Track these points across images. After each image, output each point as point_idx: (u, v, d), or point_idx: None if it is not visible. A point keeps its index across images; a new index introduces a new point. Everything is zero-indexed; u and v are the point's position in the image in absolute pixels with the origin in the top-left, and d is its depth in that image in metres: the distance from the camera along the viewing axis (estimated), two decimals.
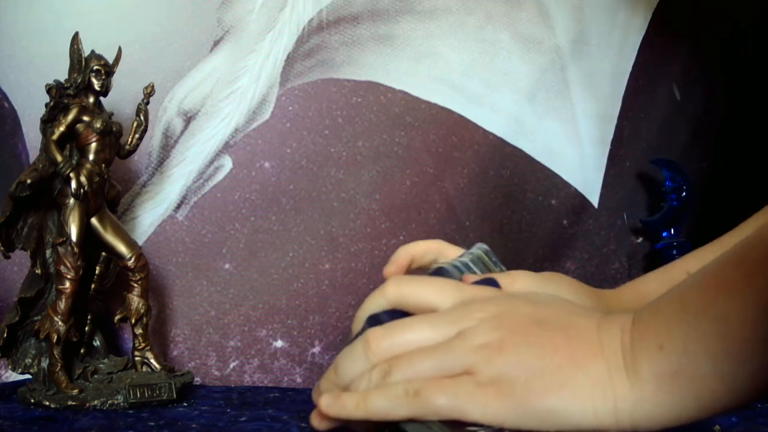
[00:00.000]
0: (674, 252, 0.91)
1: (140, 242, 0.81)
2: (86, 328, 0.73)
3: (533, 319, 0.40)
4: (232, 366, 0.84)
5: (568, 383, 0.37)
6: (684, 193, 0.93)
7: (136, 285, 0.72)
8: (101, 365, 0.72)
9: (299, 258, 0.87)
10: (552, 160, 0.95)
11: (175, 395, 0.68)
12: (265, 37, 0.88)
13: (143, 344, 0.71)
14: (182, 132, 0.86)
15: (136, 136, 0.75)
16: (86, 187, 0.68)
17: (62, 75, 0.70)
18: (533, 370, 0.37)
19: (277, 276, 0.86)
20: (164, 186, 0.85)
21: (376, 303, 0.45)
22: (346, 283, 0.87)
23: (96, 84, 0.70)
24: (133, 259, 0.71)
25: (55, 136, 0.68)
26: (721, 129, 1.01)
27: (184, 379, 0.70)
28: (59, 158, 0.68)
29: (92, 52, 0.71)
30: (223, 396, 0.74)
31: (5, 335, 0.68)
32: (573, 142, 0.96)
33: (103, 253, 0.74)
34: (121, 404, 0.65)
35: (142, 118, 0.75)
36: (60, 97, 0.69)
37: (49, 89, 0.69)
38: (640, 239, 0.99)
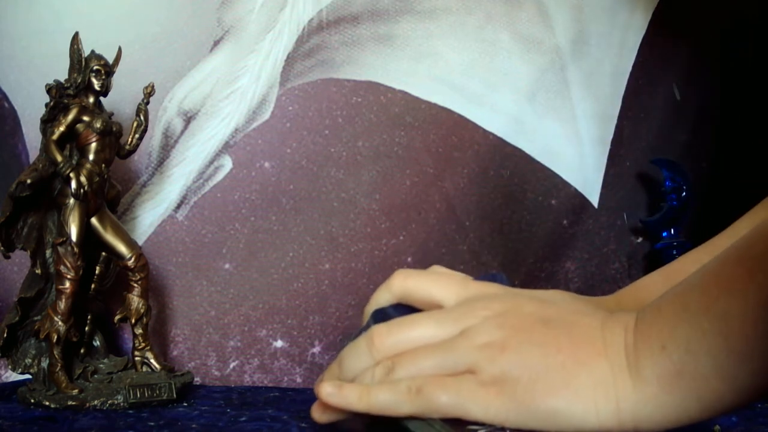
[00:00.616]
0: (674, 252, 0.91)
1: (140, 242, 0.81)
2: (86, 328, 0.73)
3: (537, 317, 0.40)
4: (232, 366, 0.84)
5: (571, 383, 0.37)
6: (684, 193, 0.93)
7: (136, 285, 0.72)
8: (101, 365, 0.72)
9: (299, 258, 0.87)
10: (552, 160, 0.95)
11: (175, 395, 0.68)
12: (265, 37, 0.88)
13: (143, 344, 0.71)
14: (182, 132, 0.86)
15: (136, 136, 0.75)
16: (86, 187, 0.68)
17: (62, 75, 0.70)
18: (536, 369, 0.37)
19: (277, 276, 0.86)
20: (164, 186, 0.85)
21: (383, 297, 0.45)
22: (346, 283, 0.87)
23: (96, 84, 0.70)
24: (133, 259, 0.71)
25: (55, 136, 0.68)
26: (721, 129, 1.01)
27: (184, 379, 0.70)
28: (59, 158, 0.68)
29: (92, 52, 0.71)
30: (223, 396, 0.74)
31: (5, 335, 0.68)
32: (573, 142, 0.96)
33: (103, 253, 0.74)
34: (121, 404, 0.65)
35: (142, 118, 0.75)
36: (60, 97, 0.69)
37: (49, 89, 0.69)
38: (640, 239, 0.99)
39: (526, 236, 0.94)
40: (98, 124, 0.69)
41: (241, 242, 0.86)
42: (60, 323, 0.67)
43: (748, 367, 0.34)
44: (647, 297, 0.49)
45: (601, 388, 0.37)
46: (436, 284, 0.44)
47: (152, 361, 0.71)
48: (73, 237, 0.68)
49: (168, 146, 0.86)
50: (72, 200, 0.68)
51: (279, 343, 0.85)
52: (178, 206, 0.85)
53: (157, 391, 0.67)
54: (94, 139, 0.70)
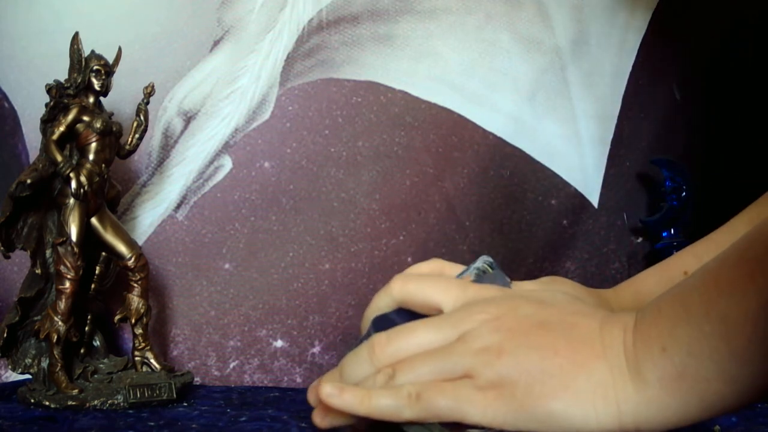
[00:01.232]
0: (674, 252, 0.90)
1: (140, 242, 0.81)
2: (86, 328, 0.73)
3: (534, 319, 0.40)
4: (232, 366, 0.84)
5: (569, 386, 0.37)
6: (684, 193, 0.93)
7: (136, 285, 0.72)
8: (101, 365, 0.72)
9: (299, 258, 0.87)
10: (552, 160, 0.95)
11: (175, 395, 0.68)
12: (265, 37, 0.88)
13: (143, 344, 0.71)
14: (182, 132, 0.86)
15: (136, 136, 0.75)
16: (86, 187, 0.68)
17: (62, 75, 0.70)
18: (533, 372, 0.37)
19: (277, 276, 0.86)
20: (164, 186, 0.85)
21: (383, 302, 0.45)
22: (346, 283, 0.87)
23: (96, 84, 0.70)
24: (133, 259, 0.71)
25: (55, 136, 0.68)
26: (721, 129, 1.01)
27: (184, 379, 0.70)
28: (59, 158, 0.68)
29: (92, 52, 0.71)
30: (223, 396, 0.74)
31: (5, 335, 0.68)
32: (573, 142, 0.96)
33: (103, 253, 0.74)
34: (121, 404, 0.65)
35: (142, 118, 0.75)
36: (60, 97, 0.69)
37: (49, 89, 0.69)
38: (640, 239, 0.99)
39: (526, 236, 0.94)
40: (98, 124, 0.69)
41: (241, 242, 0.86)
42: (60, 323, 0.67)
43: (750, 369, 0.34)
44: (646, 292, 0.49)
45: (601, 390, 0.37)
46: (436, 288, 0.44)
47: (152, 361, 0.71)
48: (73, 237, 0.68)
49: (168, 146, 0.86)
50: (72, 200, 0.68)
51: (279, 343, 0.85)
52: (178, 206, 0.85)
53: (157, 391, 0.67)
54: (94, 139, 0.70)
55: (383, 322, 0.44)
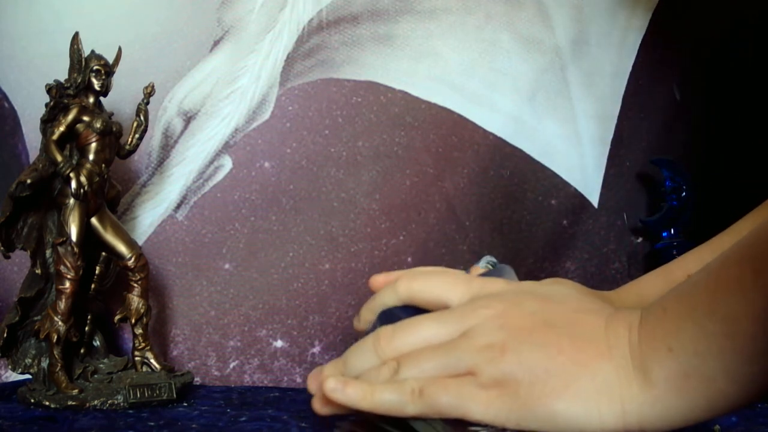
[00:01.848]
0: (674, 252, 0.91)
1: (140, 242, 0.81)
2: (86, 328, 0.73)
3: (539, 316, 0.40)
4: (232, 366, 0.84)
5: (572, 386, 0.37)
6: (684, 193, 0.93)
7: (136, 285, 0.72)
8: (101, 365, 0.72)
9: (299, 258, 0.87)
10: (552, 160, 0.95)
11: (175, 395, 0.68)
12: (265, 37, 0.88)
13: (143, 344, 0.71)
14: (182, 132, 0.86)
15: (136, 136, 0.75)
16: (86, 187, 0.68)
17: (62, 75, 0.70)
18: (536, 371, 0.37)
19: (277, 276, 0.86)
20: (164, 186, 0.85)
21: (388, 299, 0.45)
22: (346, 283, 0.87)
23: (96, 84, 0.70)
24: (133, 259, 0.71)
25: (55, 136, 0.68)
26: (721, 129, 1.01)
27: (184, 379, 0.70)
28: (59, 158, 0.68)
29: (92, 52, 0.71)
30: (223, 396, 0.74)
31: (5, 335, 0.68)
32: (573, 142, 0.96)
33: (103, 253, 0.74)
34: (121, 404, 0.65)
35: (142, 118, 0.75)
36: (60, 97, 0.69)
37: (49, 89, 0.69)
38: (640, 239, 0.99)
39: (526, 236, 0.94)
40: (98, 124, 0.69)
41: (241, 242, 0.86)
42: (60, 323, 0.67)
43: (756, 368, 0.33)
44: (649, 295, 0.49)
45: (605, 390, 0.37)
46: (441, 284, 0.44)
47: (152, 361, 0.71)
48: (73, 237, 0.68)
49: (168, 146, 0.86)
50: (72, 200, 0.68)
51: (279, 343, 0.85)
52: (178, 206, 0.85)
53: (157, 391, 0.67)
54: (94, 139, 0.70)
55: (389, 317, 0.44)
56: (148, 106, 0.75)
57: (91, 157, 0.70)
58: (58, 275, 0.68)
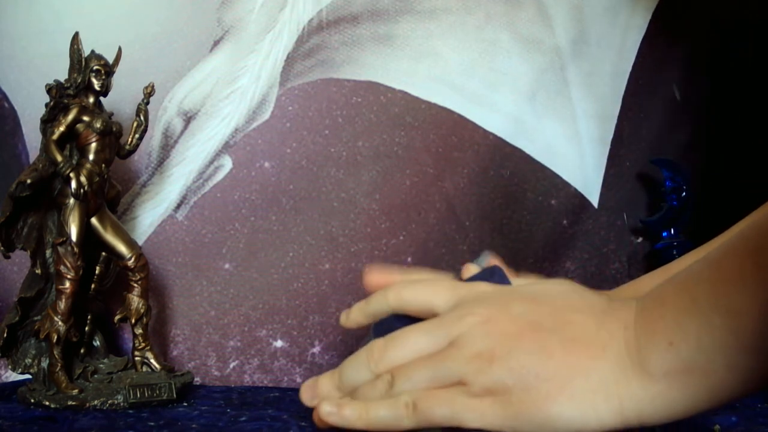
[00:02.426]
0: (674, 252, 0.91)
1: (140, 242, 0.81)
2: (86, 328, 0.73)
3: (527, 320, 0.39)
4: (232, 366, 0.84)
5: (566, 388, 0.37)
6: (684, 193, 0.93)
7: (136, 285, 0.72)
8: (101, 365, 0.72)
9: (299, 258, 0.87)
10: (552, 160, 0.95)
11: (175, 395, 0.68)
12: (265, 37, 0.88)
13: (143, 344, 0.71)
14: (182, 132, 0.86)
15: (136, 136, 0.75)
16: (86, 187, 0.68)
17: (62, 75, 0.70)
18: (527, 378, 0.37)
19: (277, 276, 0.86)
20: (164, 186, 0.85)
21: (379, 307, 0.45)
22: (346, 283, 0.87)
23: (96, 84, 0.70)
24: (133, 259, 0.71)
25: (55, 136, 0.68)
26: (721, 129, 1.01)
27: (184, 379, 0.70)
28: (59, 158, 0.68)
29: (92, 52, 0.71)
30: (223, 396, 0.74)
31: (5, 335, 0.68)
32: (573, 142, 0.96)
33: (103, 253, 0.74)
34: (121, 404, 0.65)
35: (142, 118, 0.75)
36: (60, 97, 0.69)
37: (49, 89, 0.69)
38: (640, 239, 0.99)
39: (526, 236, 0.94)
40: (98, 124, 0.69)
41: (241, 242, 0.86)
42: (60, 323, 0.67)
43: (758, 359, 0.33)
44: None
45: (600, 388, 0.36)
46: (427, 292, 0.44)
47: (152, 361, 0.71)
48: (73, 237, 0.68)
49: (168, 146, 0.86)
50: (72, 200, 0.68)
51: (279, 343, 0.85)
52: (178, 206, 0.85)
53: (157, 391, 0.67)
54: (94, 139, 0.70)
55: (383, 328, 0.44)
56: (148, 106, 0.75)
57: (91, 157, 0.70)
58: (58, 275, 0.68)
